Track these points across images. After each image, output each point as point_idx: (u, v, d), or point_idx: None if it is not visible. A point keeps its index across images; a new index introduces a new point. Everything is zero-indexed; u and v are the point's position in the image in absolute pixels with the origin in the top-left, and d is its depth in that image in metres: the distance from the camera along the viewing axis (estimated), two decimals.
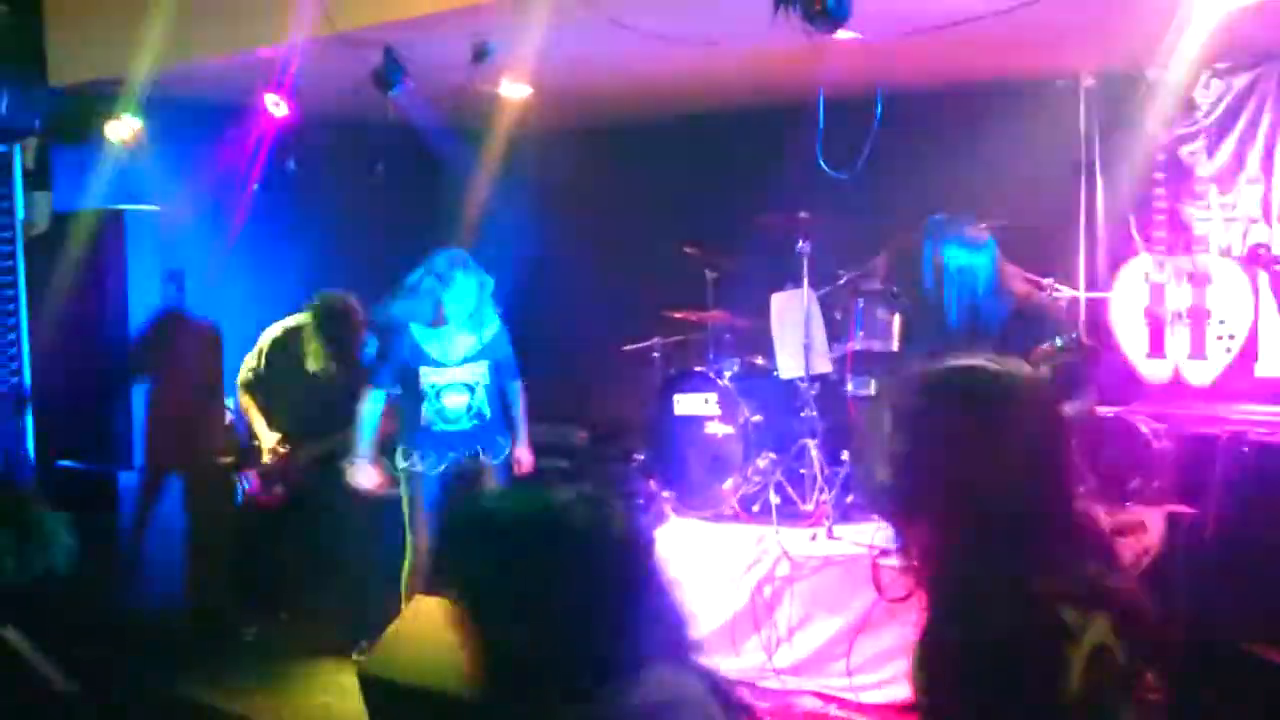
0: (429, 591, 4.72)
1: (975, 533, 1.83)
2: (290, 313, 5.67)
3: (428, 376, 5.08)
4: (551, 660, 1.55)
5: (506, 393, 5.32)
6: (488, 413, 5.20)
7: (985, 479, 1.84)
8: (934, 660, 1.88)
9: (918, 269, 3.86)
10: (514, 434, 5.34)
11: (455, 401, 5.11)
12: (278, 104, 5.65)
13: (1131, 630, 1.77)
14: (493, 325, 5.17)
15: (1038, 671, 1.75)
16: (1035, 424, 1.93)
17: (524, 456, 5.34)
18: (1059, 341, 3.55)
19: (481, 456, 5.20)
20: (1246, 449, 4.69)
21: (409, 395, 5.13)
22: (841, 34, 4.06)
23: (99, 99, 6.03)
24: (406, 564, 5.15)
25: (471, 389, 5.14)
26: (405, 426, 5.15)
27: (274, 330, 5.64)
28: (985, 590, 1.80)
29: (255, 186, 6.39)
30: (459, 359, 5.11)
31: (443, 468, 5.11)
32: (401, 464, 5.15)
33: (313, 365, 5.48)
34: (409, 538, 5.16)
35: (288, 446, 5.52)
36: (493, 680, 1.59)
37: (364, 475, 5.13)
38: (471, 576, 1.60)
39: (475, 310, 5.06)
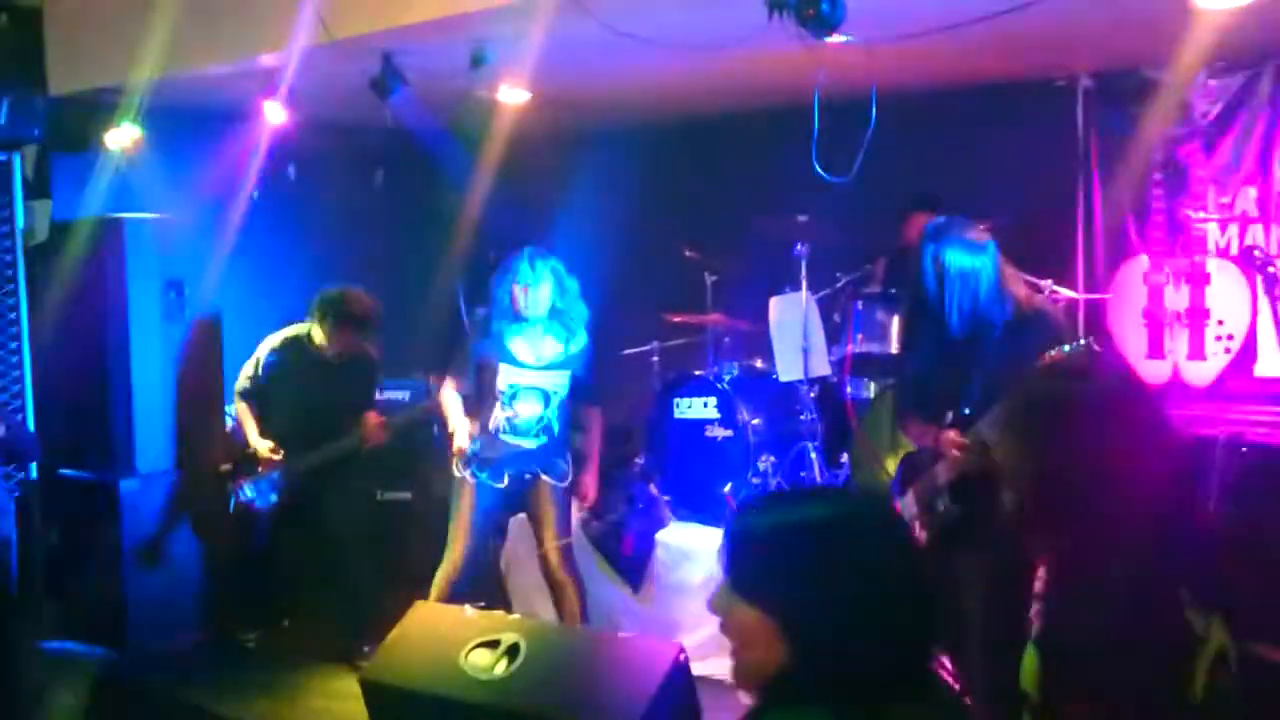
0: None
1: (1109, 538, 1.85)
2: (290, 320, 5.67)
3: (507, 376, 4.91)
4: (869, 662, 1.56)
5: (581, 417, 5.15)
6: (556, 429, 5.01)
7: (1120, 484, 1.87)
8: (1054, 662, 1.89)
9: (918, 273, 3.85)
10: (581, 460, 5.16)
11: (528, 410, 4.94)
12: (277, 112, 5.66)
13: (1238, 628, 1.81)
14: (581, 339, 5.01)
15: (1166, 678, 1.77)
16: (1164, 430, 1.96)
17: (591, 488, 5.17)
18: (1067, 347, 3.54)
19: (543, 477, 5.03)
20: (1245, 449, 4.69)
21: (481, 396, 4.99)
22: (836, 38, 4.07)
23: (98, 107, 6.05)
24: (442, 571, 5.01)
25: (547, 399, 4.96)
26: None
27: (273, 339, 5.64)
28: (1116, 593, 1.82)
29: (255, 194, 6.40)
30: (541, 364, 4.96)
31: (504, 483, 4.99)
32: (458, 470, 5.00)
33: (329, 352, 5.46)
34: (450, 545, 5.02)
35: (283, 453, 5.50)
36: (799, 691, 1.58)
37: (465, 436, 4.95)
38: (782, 588, 1.60)
39: (563, 314, 4.94)
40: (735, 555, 1.66)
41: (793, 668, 1.58)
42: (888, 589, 1.59)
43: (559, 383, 4.98)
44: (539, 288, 4.86)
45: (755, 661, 1.61)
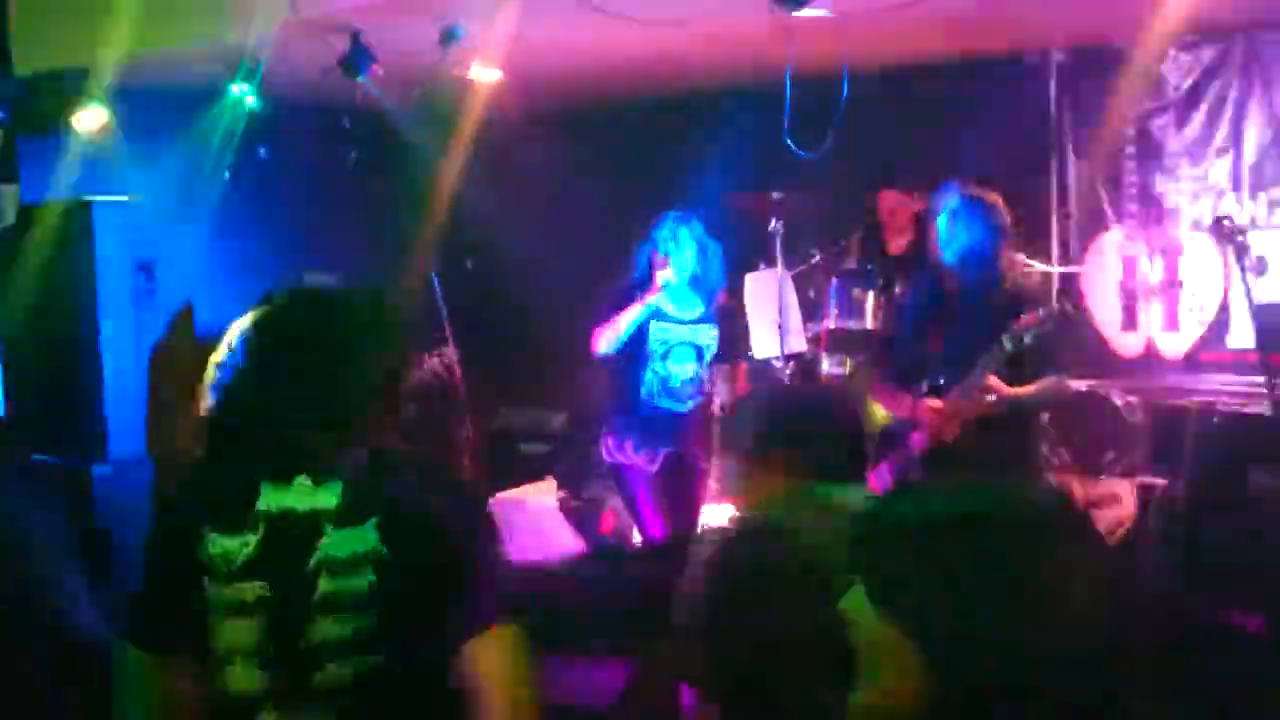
0: None
1: None
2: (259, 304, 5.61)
3: (658, 331, 4.61)
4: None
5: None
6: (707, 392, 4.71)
7: None
8: None
9: (928, 233, 3.93)
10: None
11: (682, 369, 4.64)
12: (246, 92, 5.60)
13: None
14: (721, 293, 4.75)
15: None
16: None
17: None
18: (1041, 312, 3.60)
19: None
20: (1218, 420, 4.71)
21: (629, 362, 4.64)
22: (808, 12, 4.06)
23: (65, 88, 5.97)
24: None
25: (700, 355, 4.68)
26: (615, 405, 4.70)
27: (243, 323, 5.55)
28: None
29: (225, 175, 6.34)
30: (691, 318, 4.69)
31: (658, 464, 4.64)
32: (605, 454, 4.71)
33: None
34: None
35: None
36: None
37: None
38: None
39: (701, 280, 4.66)
40: (875, 556, 1.38)
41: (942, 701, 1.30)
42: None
43: (711, 337, 4.70)
44: (680, 255, 4.60)
45: (891, 685, 1.35)
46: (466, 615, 1.88)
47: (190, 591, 1.86)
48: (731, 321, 4.91)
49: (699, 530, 4.46)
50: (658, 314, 4.61)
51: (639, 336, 4.58)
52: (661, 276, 4.52)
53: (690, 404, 4.67)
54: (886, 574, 1.39)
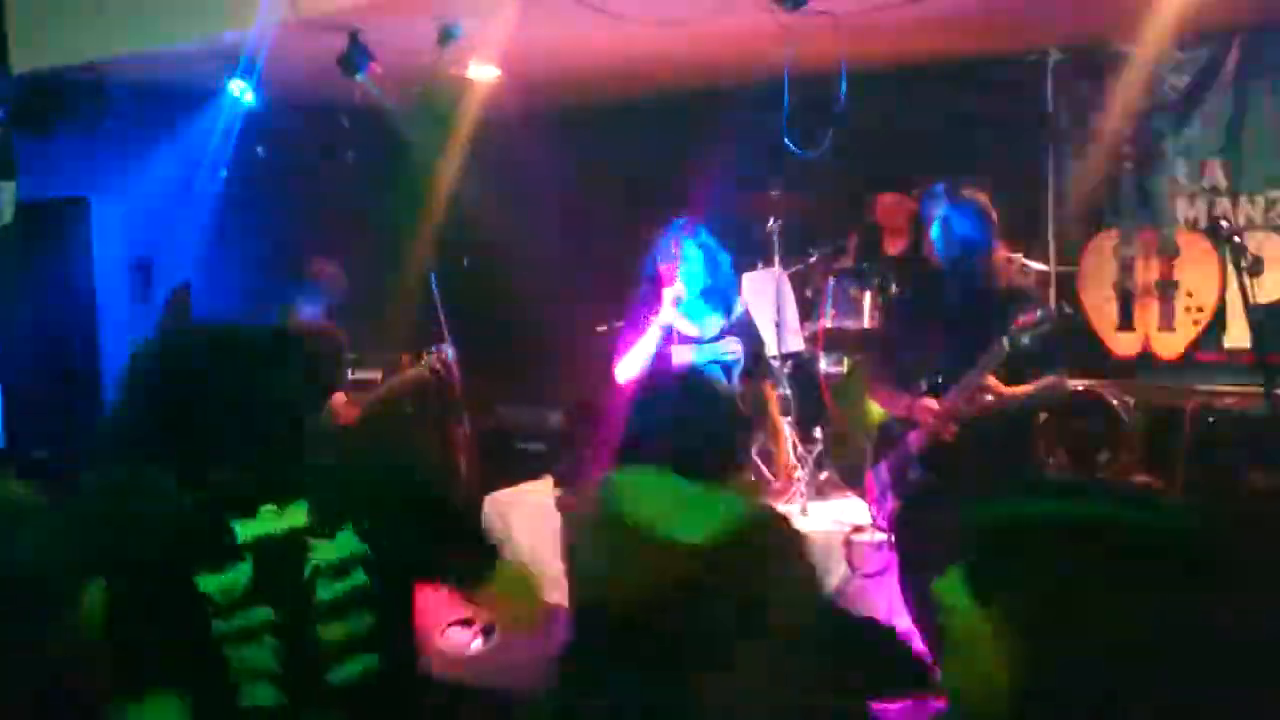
0: None
1: None
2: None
3: (679, 354, 4.46)
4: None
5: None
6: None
7: None
8: None
9: (923, 235, 3.94)
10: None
11: None
12: (244, 90, 5.60)
13: None
14: (738, 310, 4.57)
15: None
16: None
17: None
18: (1040, 312, 3.61)
19: None
20: (1214, 420, 4.72)
21: None
22: (807, 11, 4.07)
23: (63, 86, 5.97)
24: None
25: (728, 373, 4.48)
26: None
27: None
28: None
29: (223, 173, 6.34)
30: (712, 334, 4.51)
31: None
32: None
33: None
34: None
35: None
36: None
37: None
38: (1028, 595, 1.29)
39: (713, 291, 4.52)
40: (982, 542, 1.36)
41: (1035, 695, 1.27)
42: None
43: (735, 351, 4.53)
44: (687, 269, 4.45)
45: (977, 677, 1.33)
46: (462, 564, 2.11)
47: (181, 630, 1.92)
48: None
49: None
50: (676, 337, 4.45)
51: (659, 364, 4.42)
52: (669, 294, 4.38)
53: None
54: (990, 563, 1.35)
